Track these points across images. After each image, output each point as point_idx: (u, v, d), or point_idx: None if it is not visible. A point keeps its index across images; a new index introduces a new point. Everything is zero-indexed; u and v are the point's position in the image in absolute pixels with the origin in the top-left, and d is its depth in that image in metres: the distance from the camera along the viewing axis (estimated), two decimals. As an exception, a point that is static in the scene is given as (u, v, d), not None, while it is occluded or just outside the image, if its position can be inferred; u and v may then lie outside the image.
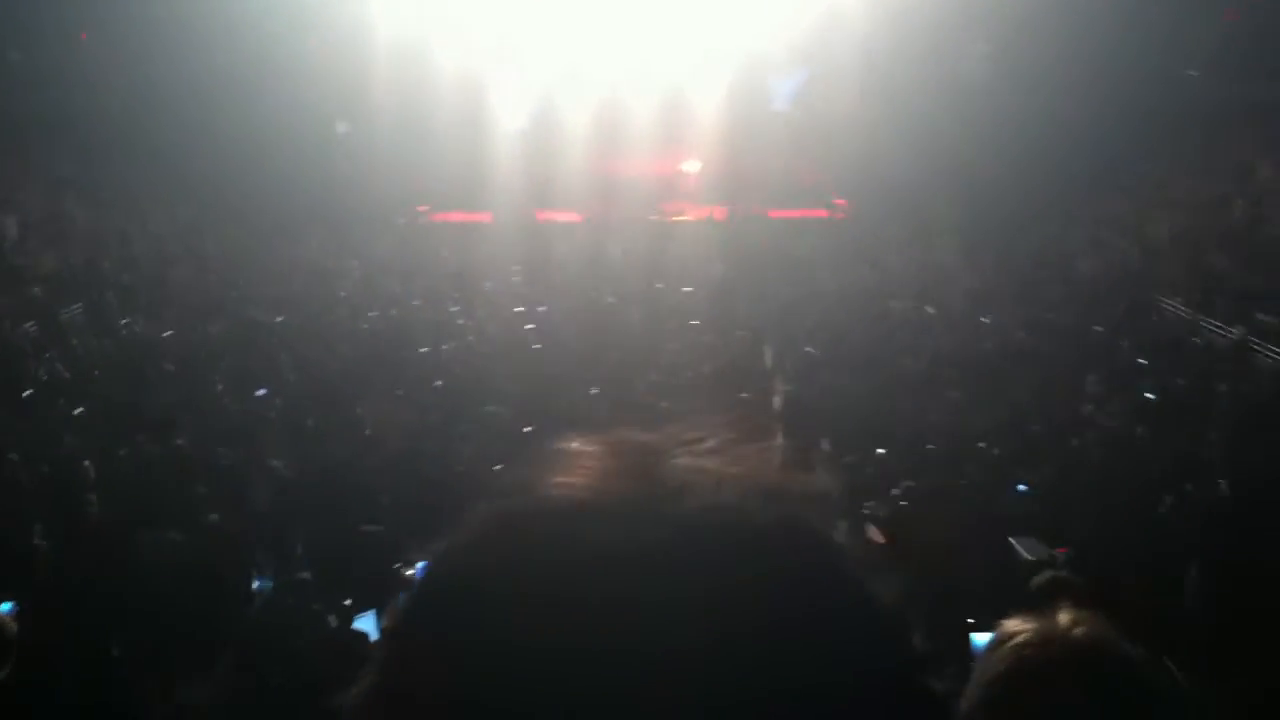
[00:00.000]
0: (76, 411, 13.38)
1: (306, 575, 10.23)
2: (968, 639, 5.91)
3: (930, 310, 22.31)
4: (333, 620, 9.69)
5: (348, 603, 10.09)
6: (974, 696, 1.94)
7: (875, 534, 10.69)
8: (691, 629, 0.69)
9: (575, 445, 0.82)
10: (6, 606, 6.52)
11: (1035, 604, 2.07)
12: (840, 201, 33.96)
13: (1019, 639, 1.95)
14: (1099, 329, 20.02)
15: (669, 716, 0.67)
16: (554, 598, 0.70)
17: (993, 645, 2.01)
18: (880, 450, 14.00)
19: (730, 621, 0.69)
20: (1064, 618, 1.96)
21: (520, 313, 21.42)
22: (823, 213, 33.13)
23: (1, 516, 10.63)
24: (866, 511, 11.51)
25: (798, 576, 0.73)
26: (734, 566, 0.71)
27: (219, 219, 26.72)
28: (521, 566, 0.72)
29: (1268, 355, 17.59)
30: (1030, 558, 9.58)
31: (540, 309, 21.45)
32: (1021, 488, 12.28)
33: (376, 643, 0.81)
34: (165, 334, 17.46)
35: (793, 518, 0.76)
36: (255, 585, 11.00)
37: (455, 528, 0.79)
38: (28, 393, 13.94)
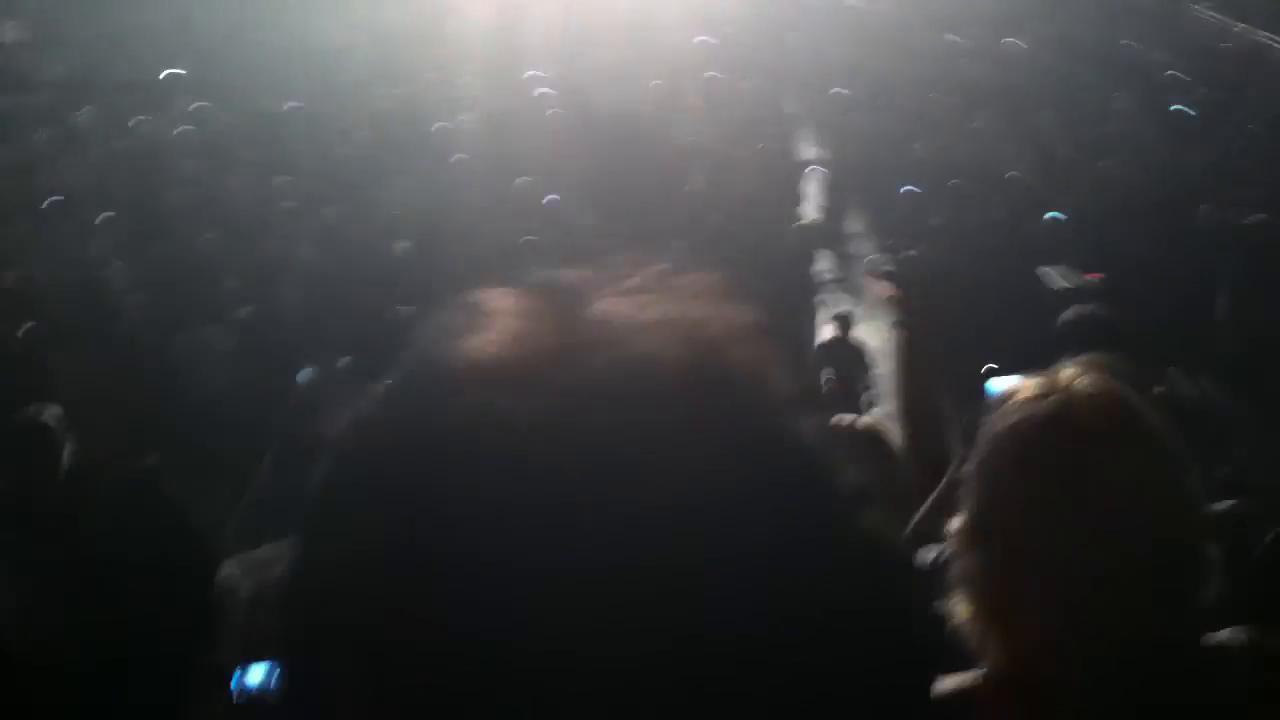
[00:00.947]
0: (99, 219, 13.39)
1: (346, 359, 10.42)
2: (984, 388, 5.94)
3: (952, 37, 21.68)
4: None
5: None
6: (980, 454, 1.92)
7: (880, 286, 10.71)
8: (593, 503, 0.67)
9: (486, 296, 0.80)
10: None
11: (1062, 344, 2.03)
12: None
13: (1018, 399, 1.91)
14: (1128, 42, 19.45)
15: (559, 618, 0.65)
16: (456, 492, 0.68)
17: (995, 404, 1.98)
18: (908, 188, 13.86)
19: (633, 487, 0.67)
20: (1067, 371, 1.91)
21: (533, 76, 20.99)
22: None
23: (38, 328, 10.78)
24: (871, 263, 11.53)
25: (713, 438, 0.70)
26: (635, 432, 0.68)
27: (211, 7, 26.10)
28: (425, 451, 0.70)
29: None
30: (1060, 285, 9.57)
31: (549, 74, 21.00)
32: (1053, 215, 12.15)
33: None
34: (177, 130, 17.27)
35: (711, 361, 0.72)
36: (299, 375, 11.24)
37: (357, 409, 0.77)
38: (47, 202, 13.93)
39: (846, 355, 10.78)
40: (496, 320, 0.75)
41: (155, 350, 11.02)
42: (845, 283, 14.21)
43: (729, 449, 0.69)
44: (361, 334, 11.64)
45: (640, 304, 0.75)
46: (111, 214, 13.46)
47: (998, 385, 2.95)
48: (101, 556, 5.60)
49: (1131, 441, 1.84)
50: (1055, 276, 9.86)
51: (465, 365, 0.73)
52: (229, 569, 6.38)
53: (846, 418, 4.29)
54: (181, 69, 21.23)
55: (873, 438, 4.05)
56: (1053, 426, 1.83)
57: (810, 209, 15.28)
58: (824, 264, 14.36)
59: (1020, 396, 1.91)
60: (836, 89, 19.26)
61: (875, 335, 11.89)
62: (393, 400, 0.76)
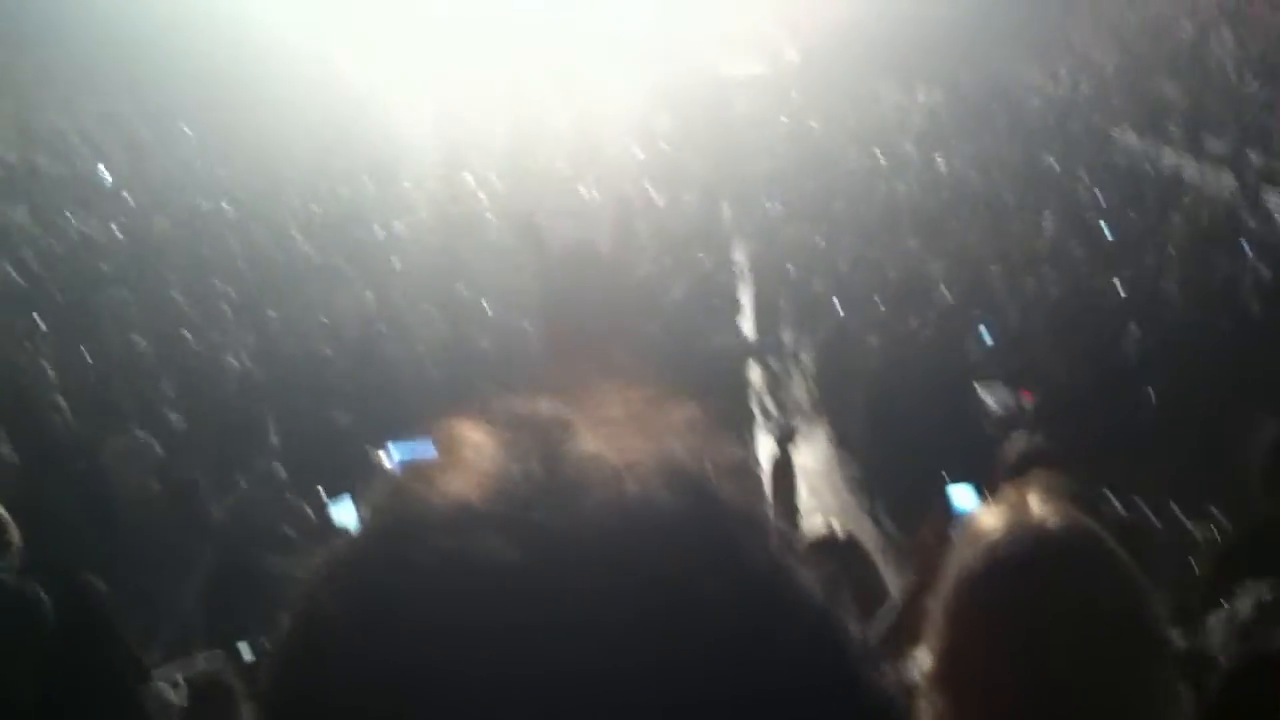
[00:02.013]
0: (32, 315, 13.19)
1: (278, 468, 10.26)
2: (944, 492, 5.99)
3: (879, 156, 22.19)
4: (308, 510, 9.76)
5: (321, 494, 10.14)
6: (948, 596, 1.92)
7: None
8: (595, 653, 0.63)
9: (462, 426, 0.77)
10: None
11: (1009, 475, 2.05)
12: (788, 52, 33.45)
13: (991, 534, 1.91)
14: (1052, 163, 19.99)
15: None
16: (438, 634, 0.65)
17: (965, 539, 1.97)
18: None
19: (635, 638, 0.66)
20: (1037, 507, 1.92)
21: (471, 188, 21.13)
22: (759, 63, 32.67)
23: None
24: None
25: (711, 578, 0.68)
26: (634, 573, 0.67)
27: (150, 105, 25.98)
28: (403, 599, 0.67)
29: (1217, 182, 17.65)
30: (996, 407, 9.72)
31: (492, 182, 21.16)
32: (983, 332, 12.37)
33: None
34: (112, 228, 17.10)
35: (706, 504, 0.72)
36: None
37: (331, 553, 0.74)
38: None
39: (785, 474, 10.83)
40: (473, 455, 0.72)
41: (84, 453, 10.78)
42: (780, 396, 14.33)
43: (728, 599, 0.67)
44: (296, 442, 11.53)
45: (624, 440, 0.73)
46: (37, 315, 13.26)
47: (957, 499, 2.96)
48: (30, 660, 5.44)
49: (1104, 586, 1.86)
50: (990, 393, 10.02)
51: (444, 505, 0.69)
52: (164, 677, 6.22)
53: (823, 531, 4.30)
54: (113, 166, 21.10)
55: (850, 547, 4.07)
56: (1024, 574, 1.83)
57: (745, 322, 15.44)
58: (757, 376, 14.48)
59: (984, 528, 1.91)
60: (769, 202, 19.61)
61: (812, 452, 12.01)
62: (366, 543, 0.72)
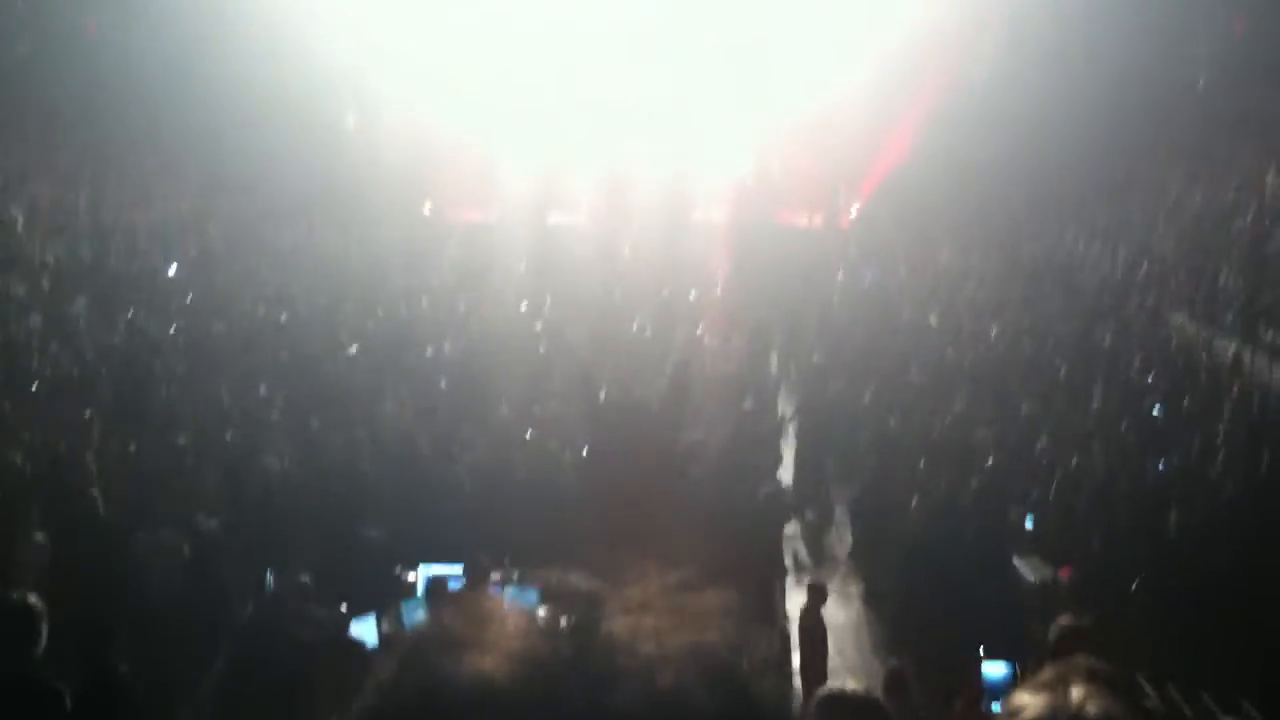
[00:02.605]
0: (83, 410, 13.32)
1: (305, 578, 10.24)
2: (978, 668, 5.86)
3: (934, 320, 22.24)
4: (330, 624, 9.71)
5: (344, 608, 10.10)
6: None
7: None
8: None
9: (489, 604, 0.74)
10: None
11: (1050, 655, 2.01)
12: (847, 207, 33.94)
13: (1027, 717, 1.89)
14: (1105, 340, 19.96)
15: None
16: None
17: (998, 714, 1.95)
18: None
19: None
20: (1076, 693, 1.90)
21: (526, 313, 21.38)
22: (825, 218, 33.08)
23: (3, 511, 10.63)
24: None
25: None
26: None
27: (223, 210, 26.64)
28: None
29: (1269, 372, 17.52)
30: (1034, 579, 9.56)
31: (546, 309, 21.40)
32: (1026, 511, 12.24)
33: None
34: (170, 330, 17.39)
35: (739, 704, 0.69)
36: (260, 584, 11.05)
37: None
38: (33, 387, 13.90)
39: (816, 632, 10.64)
40: (504, 633, 0.70)
41: (116, 545, 10.81)
42: (816, 550, 14.20)
43: None
44: (327, 550, 11.51)
45: (659, 628, 0.71)
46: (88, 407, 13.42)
47: (991, 674, 2.92)
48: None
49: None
50: (1029, 568, 9.87)
51: (469, 680, 0.68)
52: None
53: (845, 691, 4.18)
54: (181, 267, 21.54)
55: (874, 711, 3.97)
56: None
57: (785, 473, 15.35)
58: (792, 530, 14.34)
59: (1021, 709, 1.89)
60: (817, 356, 19.64)
61: (844, 609, 11.83)
62: (388, 714, 0.70)
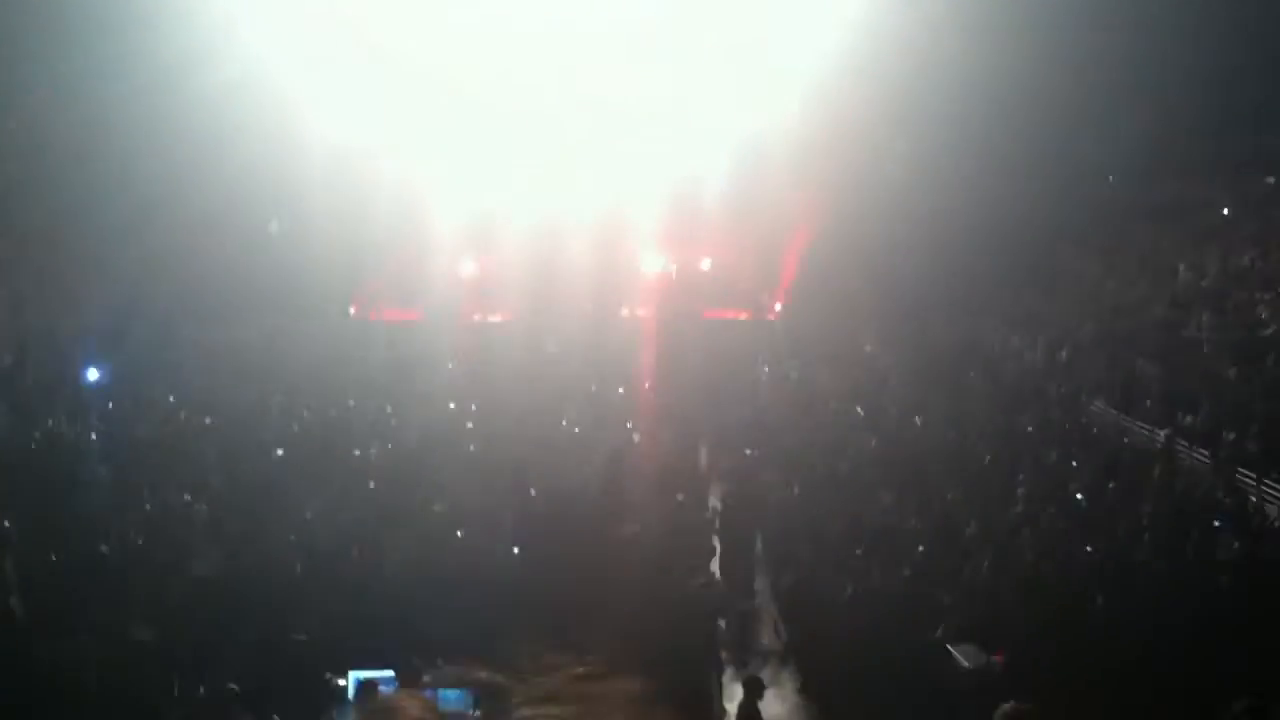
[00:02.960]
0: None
1: (233, 686, 9.99)
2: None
3: (860, 411, 22.47)
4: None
5: (275, 718, 9.87)
6: None
7: None
8: None
9: (396, 702, 0.77)
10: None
11: None
12: (775, 304, 34.42)
13: None
14: (1029, 428, 20.26)
15: None
16: None
17: None
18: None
19: None
20: None
21: (454, 411, 21.32)
22: (748, 313, 33.53)
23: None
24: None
25: None
26: None
27: (146, 311, 26.36)
28: None
29: (1192, 456, 17.87)
30: (969, 664, 9.60)
31: (473, 409, 21.35)
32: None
33: None
34: (91, 436, 17.13)
35: None
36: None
37: None
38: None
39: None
40: None
41: (33, 653, 10.52)
42: (749, 643, 14.16)
43: None
44: (254, 658, 11.26)
45: (565, 713, 0.73)
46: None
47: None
48: None
49: None
50: (963, 655, 9.90)
51: None
52: None
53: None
54: (101, 371, 21.26)
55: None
56: None
57: (716, 565, 15.33)
58: (728, 621, 14.28)
59: None
60: (747, 450, 19.72)
61: (779, 700, 11.76)
62: None
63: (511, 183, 33.06)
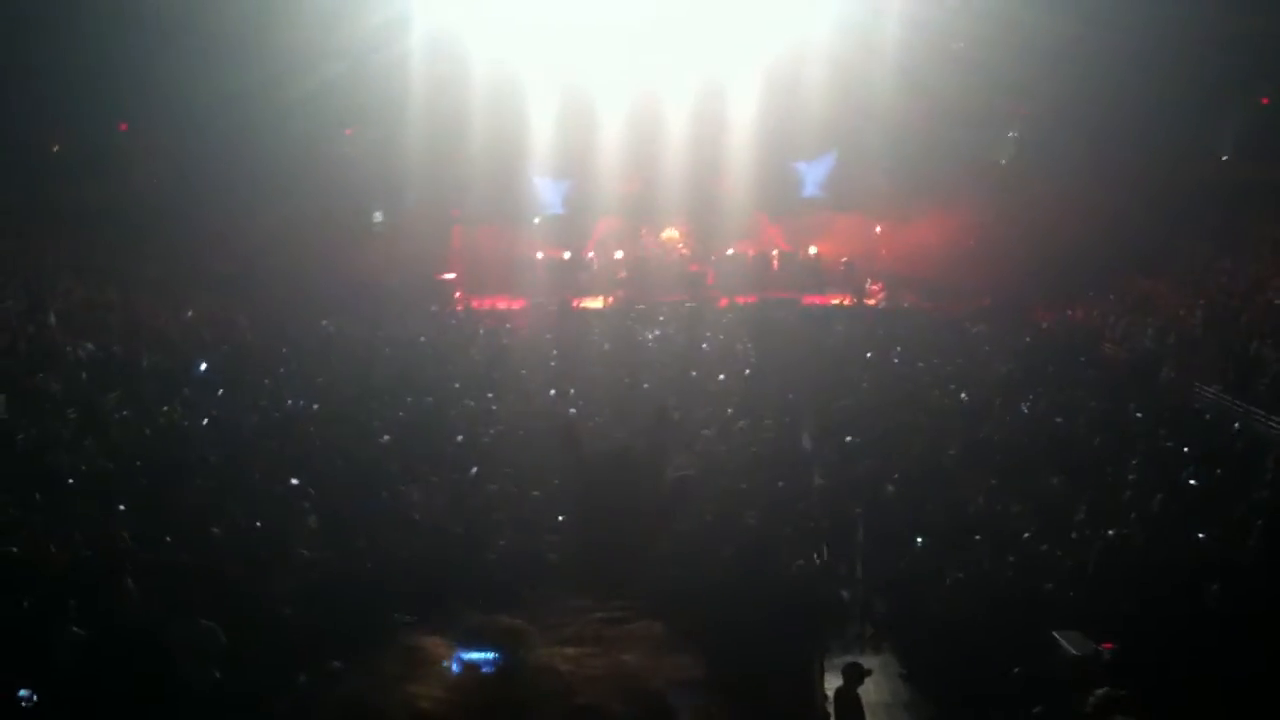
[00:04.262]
0: (117, 504, 13.41)
1: (339, 664, 10.16)
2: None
3: (964, 397, 22.14)
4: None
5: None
6: None
7: None
8: None
9: (422, 642, 0.78)
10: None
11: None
12: (875, 287, 34.14)
13: None
14: (1138, 414, 19.83)
15: None
16: None
17: None
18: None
19: None
20: None
21: (555, 398, 21.45)
22: (851, 299, 33.26)
23: (41, 604, 10.64)
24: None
25: None
26: None
27: (254, 303, 26.98)
28: None
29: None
30: (1075, 653, 9.41)
31: (573, 394, 21.45)
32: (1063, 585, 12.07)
33: None
34: (203, 422, 17.52)
35: (652, 712, 0.72)
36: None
37: None
38: (69, 481, 14.00)
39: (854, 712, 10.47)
40: (432, 665, 0.74)
41: (148, 634, 10.78)
42: (852, 627, 14.05)
43: None
44: (361, 639, 11.43)
45: (582, 654, 0.74)
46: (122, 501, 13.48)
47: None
48: None
49: None
50: (1069, 642, 9.71)
51: (406, 716, 0.71)
52: None
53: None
54: (213, 363, 21.76)
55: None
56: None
57: (821, 549, 15.24)
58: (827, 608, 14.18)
59: None
60: (849, 437, 19.56)
61: (880, 686, 11.67)
62: None
63: (614, 171, 33.29)
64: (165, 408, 18.41)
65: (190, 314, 24.95)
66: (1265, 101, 31.53)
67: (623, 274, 33.89)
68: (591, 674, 0.73)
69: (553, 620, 0.80)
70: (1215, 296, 25.35)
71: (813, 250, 35.62)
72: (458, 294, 32.57)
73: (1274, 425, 18.38)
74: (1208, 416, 19.95)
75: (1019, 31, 29.70)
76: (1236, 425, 19.07)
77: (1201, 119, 31.08)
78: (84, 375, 19.20)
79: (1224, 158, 32.19)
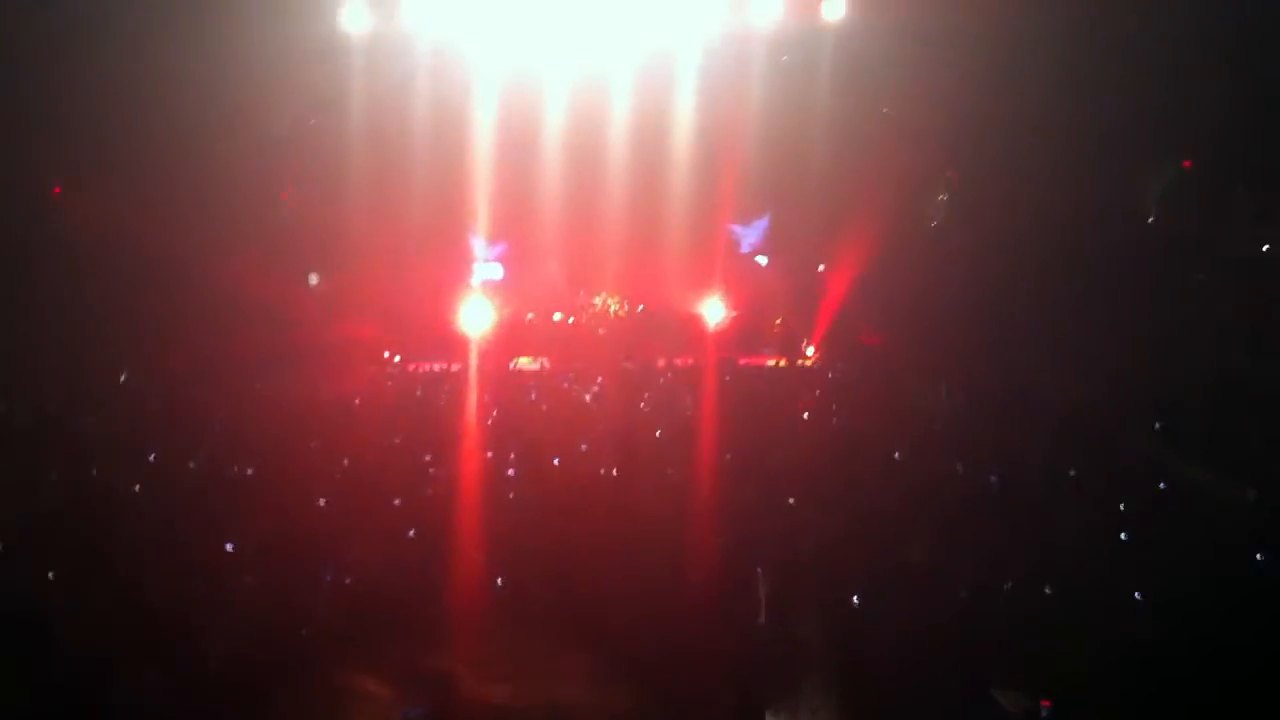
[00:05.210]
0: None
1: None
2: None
3: (897, 456, 22.24)
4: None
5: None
6: None
7: None
8: None
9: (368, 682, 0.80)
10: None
11: None
12: (812, 350, 34.29)
13: None
14: (1071, 471, 20.03)
15: None
16: None
17: None
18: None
19: None
20: None
21: (491, 459, 21.32)
22: (783, 358, 33.35)
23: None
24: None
25: None
26: None
27: (188, 357, 26.60)
28: None
29: (1233, 495, 17.62)
30: (1013, 711, 9.47)
31: (512, 457, 21.32)
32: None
33: None
34: (134, 487, 17.34)
35: None
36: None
37: None
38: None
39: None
40: (367, 700, 0.75)
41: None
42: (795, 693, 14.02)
43: None
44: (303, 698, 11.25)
45: (514, 685, 0.76)
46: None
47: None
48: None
49: None
50: (1007, 701, 9.77)
51: None
52: None
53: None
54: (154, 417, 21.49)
55: None
56: None
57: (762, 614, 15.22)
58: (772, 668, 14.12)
59: None
60: (789, 499, 19.57)
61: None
62: None
63: (552, 234, 33.46)
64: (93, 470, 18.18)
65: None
66: (1188, 165, 32.26)
67: (560, 335, 33.80)
68: (522, 705, 0.75)
69: (485, 656, 0.81)
70: (1145, 348, 25.71)
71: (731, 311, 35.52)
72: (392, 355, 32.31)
73: (1204, 476, 18.63)
74: (1139, 468, 20.19)
75: (946, 98, 30.16)
76: (1165, 478, 19.32)
77: (1126, 181, 31.67)
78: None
79: (1149, 220, 32.85)
